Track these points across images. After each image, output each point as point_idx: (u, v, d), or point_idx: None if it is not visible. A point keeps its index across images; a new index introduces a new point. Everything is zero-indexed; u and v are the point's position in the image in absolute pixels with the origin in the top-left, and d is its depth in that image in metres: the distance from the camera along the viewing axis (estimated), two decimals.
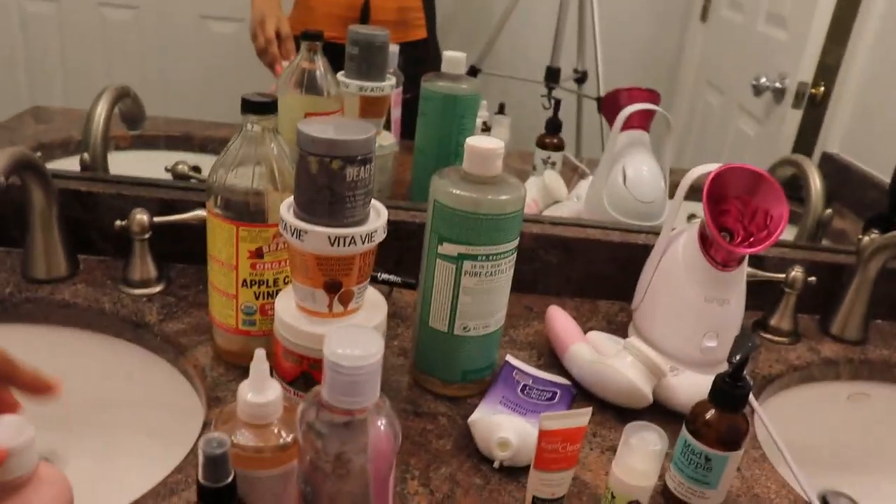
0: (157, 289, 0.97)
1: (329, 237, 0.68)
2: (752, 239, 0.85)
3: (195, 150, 1.24)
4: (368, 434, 0.52)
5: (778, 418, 0.91)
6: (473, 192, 0.76)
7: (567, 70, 1.35)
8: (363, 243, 0.69)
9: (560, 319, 0.95)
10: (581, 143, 1.38)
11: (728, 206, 0.87)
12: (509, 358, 0.89)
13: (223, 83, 1.25)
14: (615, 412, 0.86)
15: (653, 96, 1.16)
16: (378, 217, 0.72)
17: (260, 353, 0.56)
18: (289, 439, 0.58)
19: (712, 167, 0.85)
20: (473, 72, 1.30)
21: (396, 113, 1.23)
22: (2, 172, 0.83)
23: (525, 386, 0.85)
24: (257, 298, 0.80)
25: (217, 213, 0.77)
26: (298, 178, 0.69)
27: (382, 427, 0.52)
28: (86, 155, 1.08)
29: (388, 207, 0.74)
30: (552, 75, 1.35)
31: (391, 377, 0.87)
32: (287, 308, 0.74)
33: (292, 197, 0.72)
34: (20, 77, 1.27)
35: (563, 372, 0.91)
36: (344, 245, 0.68)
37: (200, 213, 0.95)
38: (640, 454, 0.66)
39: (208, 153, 1.22)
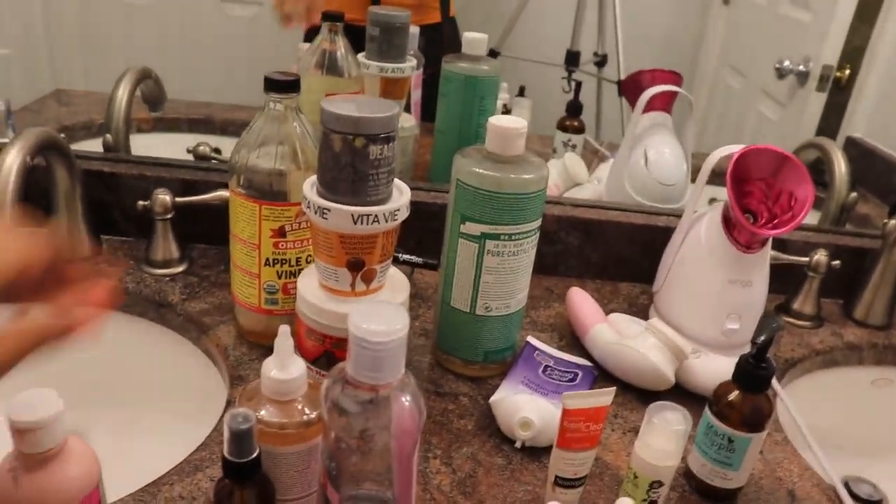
0: (180, 269, 0.98)
1: (353, 215, 0.68)
2: (775, 221, 0.85)
3: (216, 133, 1.24)
4: (392, 410, 0.52)
5: (800, 402, 0.90)
6: (496, 170, 0.75)
7: (587, 53, 1.34)
8: (386, 221, 0.69)
9: (581, 301, 0.95)
10: (601, 127, 1.37)
11: (752, 188, 0.86)
12: (530, 339, 0.89)
13: (243, 66, 1.25)
14: (637, 394, 0.86)
15: (675, 78, 1.15)
16: (401, 196, 0.72)
17: (284, 329, 0.56)
18: (312, 416, 0.58)
19: (735, 148, 0.85)
20: (493, 55, 1.29)
21: (416, 95, 1.23)
22: (28, 153, 0.84)
23: (546, 367, 0.85)
24: (280, 277, 0.80)
25: (240, 192, 0.78)
26: (322, 155, 0.69)
27: (407, 403, 0.52)
28: (108, 136, 1.08)
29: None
30: (572, 58, 1.34)
31: (413, 357, 0.87)
32: (310, 287, 0.74)
33: (315, 175, 0.72)
34: (42, 60, 1.27)
35: (585, 354, 0.91)
36: (367, 223, 0.68)
37: (222, 193, 0.95)
38: (664, 434, 0.65)
39: (229, 135, 1.22)
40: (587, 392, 0.66)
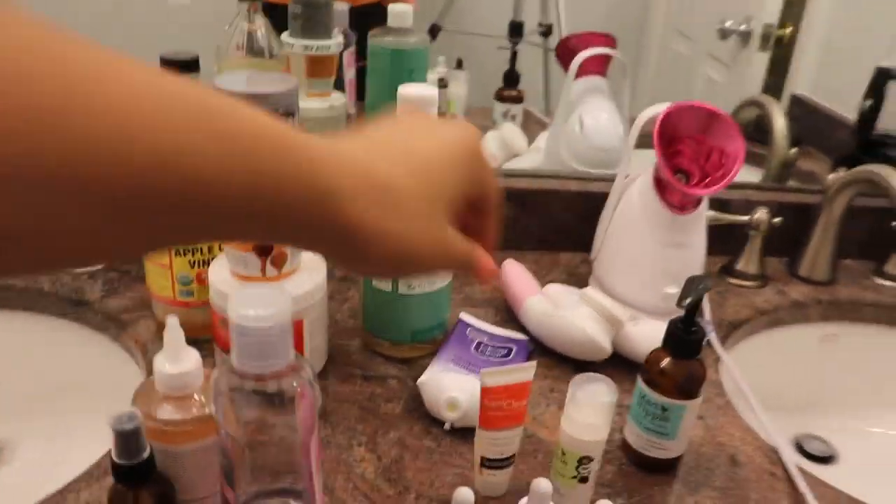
0: (100, 265, 0.94)
1: None
2: (708, 179, 0.82)
3: None
4: (284, 399, 0.49)
5: (747, 364, 0.88)
6: None
7: (532, 24, 1.31)
8: None
9: (515, 273, 0.92)
10: (549, 98, 1.34)
11: (682, 147, 0.83)
12: (463, 315, 0.86)
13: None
14: (574, 365, 0.83)
15: (608, 40, 1.13)
16: None
17: (173, 321, 0.53)
18: (211, 409, 0.55)
19: (662, 107, 0.82)
20: (435, 30, 1.26)
21: (350, 73, 1.19)
22: None
23: (480, 343, 0.82)
24: (192, 267, 0.77)
25: None
26: None
27: (299, 389, 0.49)
28: None
29: None
30: (515, 30, 1.31)
31: (340, 341, 0.84)
32: (221, 276, 0.71)
33: None
34: None
35: (521, 328, 0.88)
36: None
37: None
38: (588, 407, 0.63)
39: None
40: (507, 368, 0.64)
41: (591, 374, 0.64)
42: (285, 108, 0.64)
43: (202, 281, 0.77)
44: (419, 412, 0.75)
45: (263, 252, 0.68)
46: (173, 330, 0.53)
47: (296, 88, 0.65)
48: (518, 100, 1.25)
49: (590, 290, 0.83)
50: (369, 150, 0.39)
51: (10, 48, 0.24)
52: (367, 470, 0.68)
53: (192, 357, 0.54)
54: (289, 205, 0.33)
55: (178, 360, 0.54)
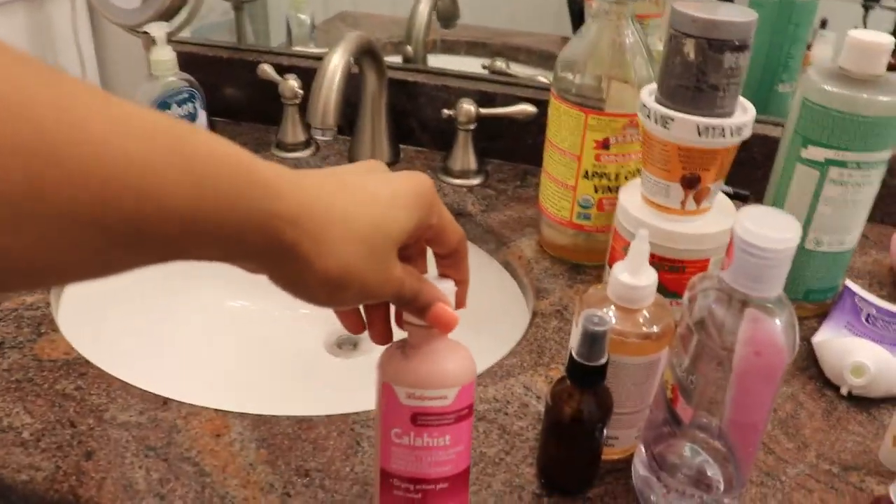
0: (476, 181, 0.98)
1: (698, 126, 0.64)
2: None
3: (490, 56, 1.23)
4: (765, 329, 0.48)
5: None
6: (851, 90, 0.68)
7: None
8: (731, 136, 0.64)
9: None
10: None
11: None
12: (849, 283, 0.82)
13: None
14: None
15: None
16: (745, 112, 0.67)
17: (643, 234, 0.53)
18: (654, 329, 0.55)
19: None
20: None
21: None
22: (350, 54, 0.86)
23: (869, 315, 0.77)
24: (596, 192, 0.78)
25: (567, 98, 0.75)
26: (668, 61, 0.65)
27: (781, 325, 0.48)
28: (409, 48, 1.10)
29: None
30: None
31: None
32: (632, 202, 0.71)
33: (653, 84, 0.69)
34: None
35: None
36: (712, 136, 0.64)
37: (526, 107, 0.94)
38: None
39: (510, 59, 1.20)
40: None
41: None
42: (746, 39, 0.62)
43: (602, 207, 0.78)
44: (811, 371, 0.72)
45: (689, 184, 0.67)
46: (642, 241, 0.53)
47: (755, 20, 0.63)
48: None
49: None
50: (319, 178, 0.40)
51: None
52: None
53: (651, 274, 0.54)
54: (232, 223, 0.34)
55: (638, 273, 0.54)
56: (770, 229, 0.45)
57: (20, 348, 0.69)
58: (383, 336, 0.49)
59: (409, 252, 0.46)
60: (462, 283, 0.49)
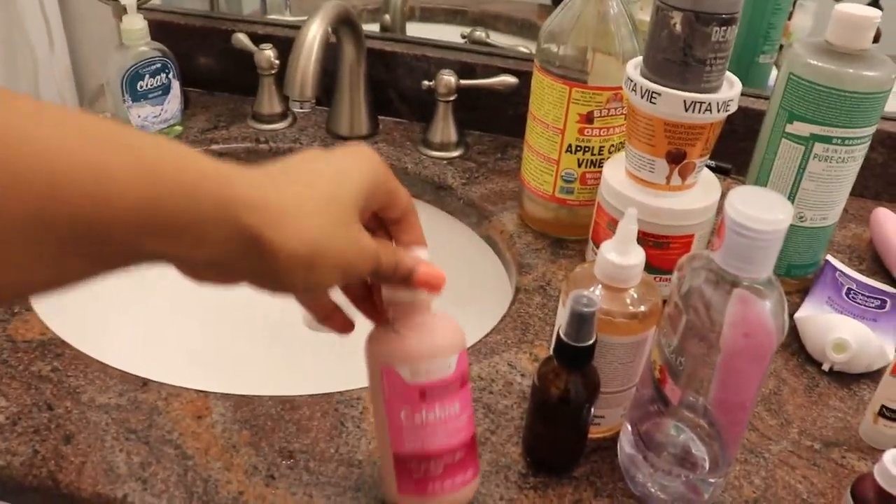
0: (456, 153, 0.96)
1: (685, 101, 0.63)
2: None
3: (468, 25, 1.21)
4: (754, 311, 0.48)
5: None
6: (838, 64, 0.68)
7: None
8: (718, 111, 0.64)
9: (892, 223, 0.86)
10: None
11: None
12: (829, 258, 0.82)
13: None
14: None
15: None
16: (731, 87, 0.66)
17: (632, 212, 0.53)
18: (641, 309, 0.55)
19: None
20: None
21: None
22: (328, 23, 0.84)
23: (849, 290, 0.77)
24: (579, 166, 0.77)
25: (549, 71, 0.74)
26: (654, 34, 0.64)
27: (770, 307, 0.48)
28: (387, 16, 1.08)
29: None
30: None
31: None
32: (616, 177, 0.71)
33: (639, 57, 0.68)
34: None
35: (891, 281, 0.83)
36: (698, 111, 0.63)
37: (507, 78, 0.93)
38: None
39: (487, 28, 1.18)
40: None
41: None
42: (734, 12, 0.62)
43: (585, 181, 0.78)
44: (793, 347, 0.72)
45: (675, 159, 0.66)
46: (630, 220, 0.53)
47: None
48: None
49: None
50: (262, 170, 0.39)
51: None
52: None
53: (639, 253, 0.54)
54: (191, 212, 0.34)
55: (626, 252, 0.53)
56: (761, 210, 0.44)
57: None
58: (380, 314, 0.49)
59: (369, 227, 0.45)
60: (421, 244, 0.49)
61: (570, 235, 0.81)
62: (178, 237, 0.34)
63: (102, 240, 0.31)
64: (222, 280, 0.39)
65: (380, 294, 0.48)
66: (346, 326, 0.50)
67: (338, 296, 0.49)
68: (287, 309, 0.92)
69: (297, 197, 0.39)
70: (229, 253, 0.36)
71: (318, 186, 0.40)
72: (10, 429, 0.58)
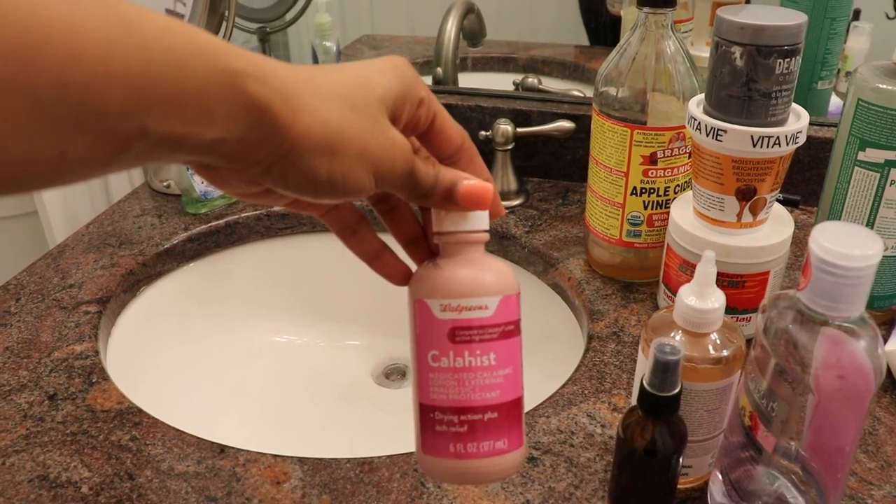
0: (517, 202, 0.96)
1: (752, 137, 0.62)
2: None
3: (519, 71, 1.21)
4: (848, 352, 0.46)
5: None
6: None
7: None
8: (787, 144, 0.62)
9: None
10: None
11: None
12: None
13: (549, 2, 1.22)
14: None
15: None
16: (798, 119, 0.65)
17: (709, 255, 0.51)
18: (724, 354, 0.53)
19: None
20: None
21: None
22: None
23: None
24: (646, 208, 0.76)
25: (609, 114, 0.73)
26: (715, 71, 0.63)
27: (864, 346, 0.46)
28: (439, 69, 1.09)
29: None
30: None
31: None
32: (685, 217, 0.69)
33: (700, 95, 0.67)
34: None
35: None
36: (767, 146, 0.62)
37: (564, 123, 0.92)
38: None
39: (536, 73, 1.18)
40: None
41: None
42: (797, 43, 0.60)
43: (652, 223, 0.76)
44: (884, 383, 0.69)
45: (745, 196, 0.65)
46: (708, 263, 0.51)
47: (805, 22, 0.61)
48: None
49: None
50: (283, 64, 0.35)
51: None
52: None
53: (719, 296, 0.52)
54: (191, 82, 0.30)
55: (706, 296, 0.52)
56: (848, 246, 0.43)
57: (73, 399, 0.68)
58: (419, 248, 0.45)
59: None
60: (486, 181, 0.43)
61: (639, 279, 0.80)
62: (181, 113, 0.31)
63: (98, 112, 0.29)
64: (244, 176, 0.35)
65: (431, 235, 0.44)
66: (398, 271, 0.45)
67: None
68: (358, 365, 0.92)
69: (311, 81, 0.35)
70: (240, 131, 0.32)
71: (341, 73, 0.37)
72: (94, 499, 0.58)
